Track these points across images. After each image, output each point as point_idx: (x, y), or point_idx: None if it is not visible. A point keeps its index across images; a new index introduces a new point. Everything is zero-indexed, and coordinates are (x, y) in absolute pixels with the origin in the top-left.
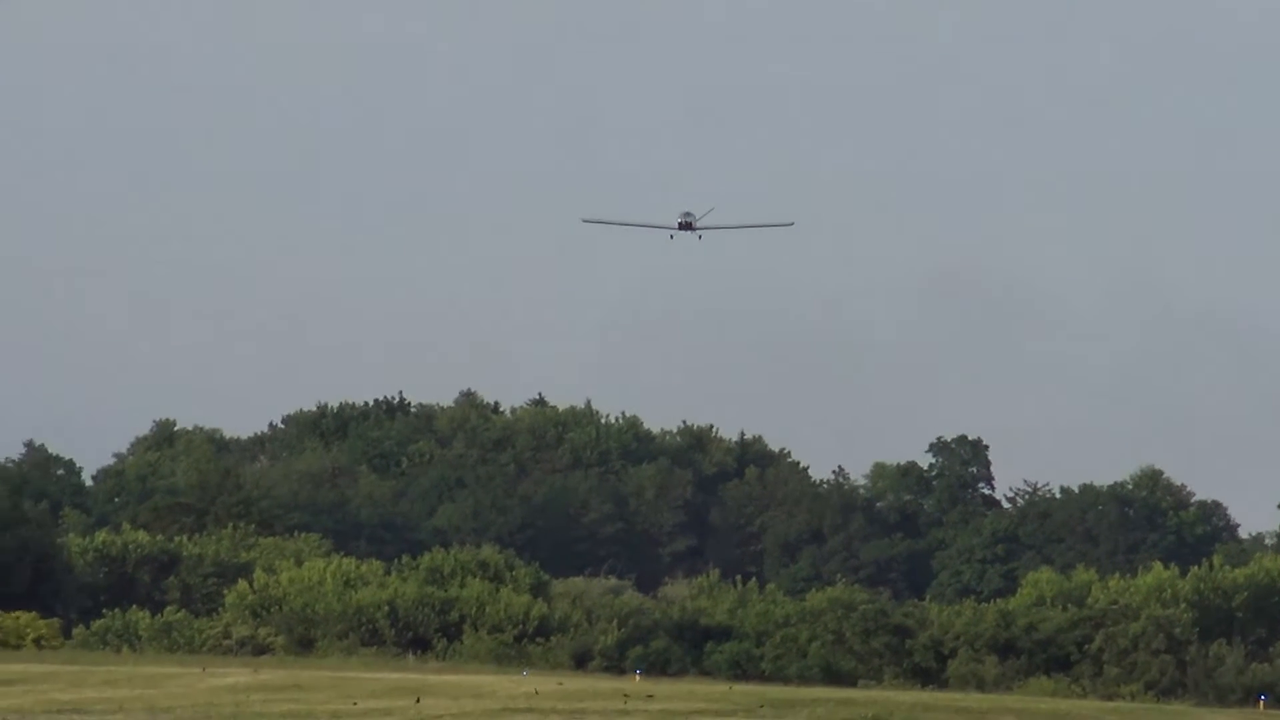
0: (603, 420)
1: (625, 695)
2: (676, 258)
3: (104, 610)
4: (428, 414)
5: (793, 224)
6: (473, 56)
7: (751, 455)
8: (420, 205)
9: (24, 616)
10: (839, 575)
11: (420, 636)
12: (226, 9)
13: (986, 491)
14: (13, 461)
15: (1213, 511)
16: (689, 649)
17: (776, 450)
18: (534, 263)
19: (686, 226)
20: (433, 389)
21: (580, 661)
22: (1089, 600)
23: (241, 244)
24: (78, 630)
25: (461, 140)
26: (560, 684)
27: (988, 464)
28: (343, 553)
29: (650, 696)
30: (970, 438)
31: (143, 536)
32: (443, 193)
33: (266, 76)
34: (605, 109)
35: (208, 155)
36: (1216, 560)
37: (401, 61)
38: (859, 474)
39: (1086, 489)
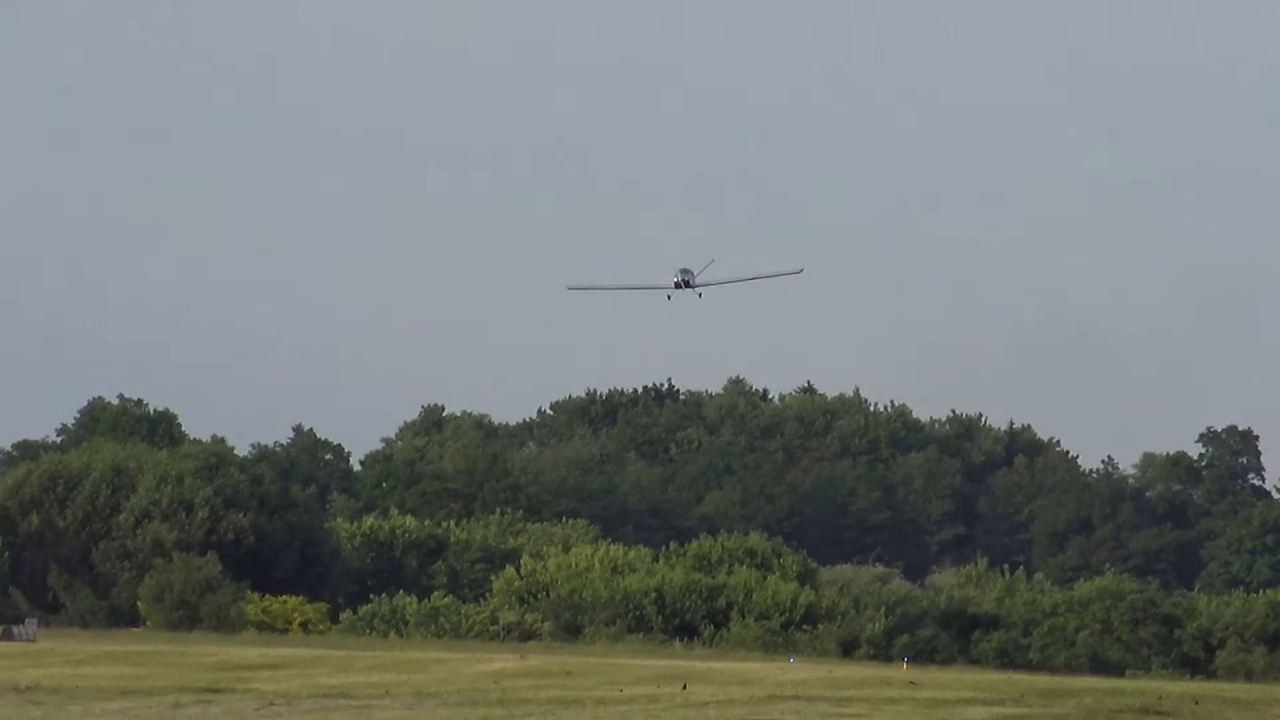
0: (871, 408)
1: (887, 682)
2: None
3: (371, 595)
4: (696, 401)
5: (801, 271)
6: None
7: (1020, 444)
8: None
9: (292, 601)
10: (1107, 565)
11: (687, 623)
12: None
13: (1256, 482)
14: (281, 446)
15: None
16: (956, 637)
17: (1045, 439)
18: (799, 244)
19: (684, 284)
20: (701, 376)
21: (847, 649)
22: None
23: (513, 229)
24: (345, 615)
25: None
26: (829, 672)
27: (1258, 454)
28: (610, 539)
29: (913, 684)
30: (1240, 428)
31: (410, 522)
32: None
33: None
34: None
35: (496, 155)
36: None
37: None
38: (1128, 463)
39: None
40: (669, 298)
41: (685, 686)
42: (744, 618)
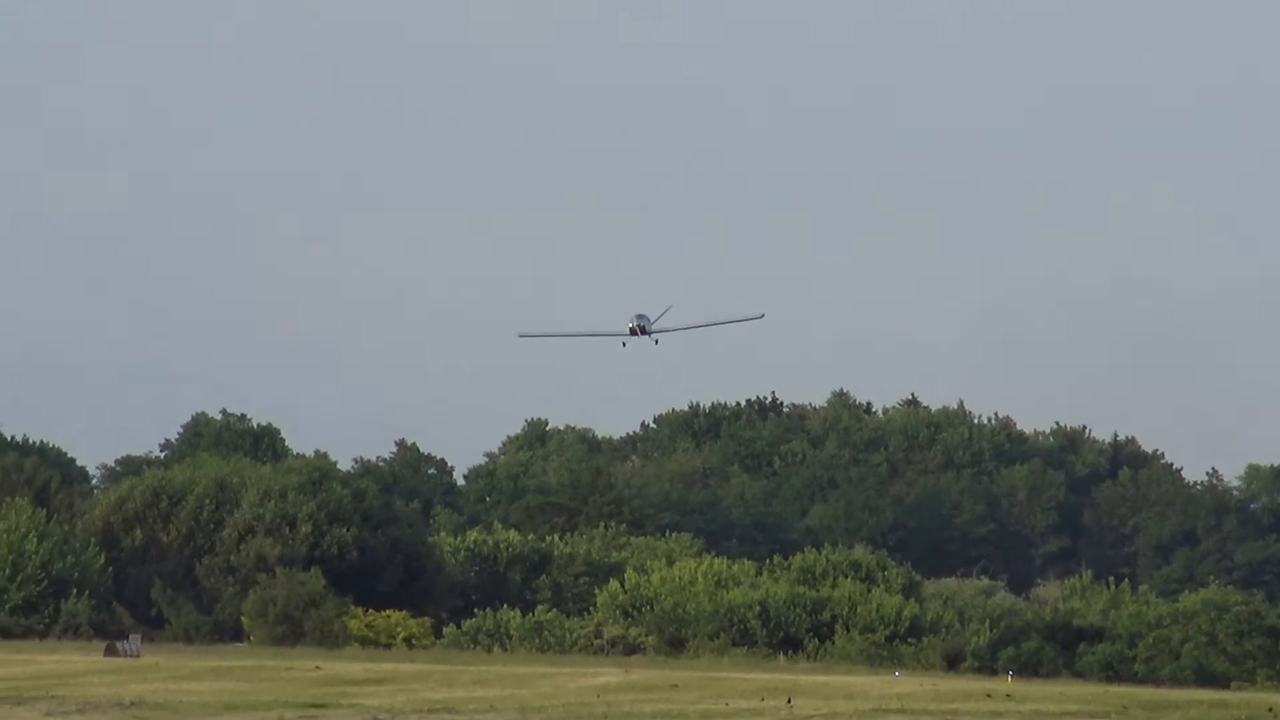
0: (975, 421)
1: (988, 694)
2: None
3: (475, 610)
4: (800, 414)
5: (763, 316)
6: None
7: (1124, 457)
8: (784, 202)
9: (395, 615)
10: (1212, 577)
11: (791, 636)
12: None
13: None
14: (384, 461)
15: None
16: (1061, 650)
17: (1150, 451)
18: (905, 257)
19: (640, 331)
20: (805, 389)
21: (952, 662)
22: None
23: (603, 249)
24: (448, 629)
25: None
26: (934, 685)
27: None
28: (714, 553)
29: (1009, 696)
30: None
31: (514, 536)
32: (807, 189)
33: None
34: None
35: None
36: None
37: None
38: (1232, 475)
39: None
40: (624, 345)
41: (790, 700)
42: (848, 631)
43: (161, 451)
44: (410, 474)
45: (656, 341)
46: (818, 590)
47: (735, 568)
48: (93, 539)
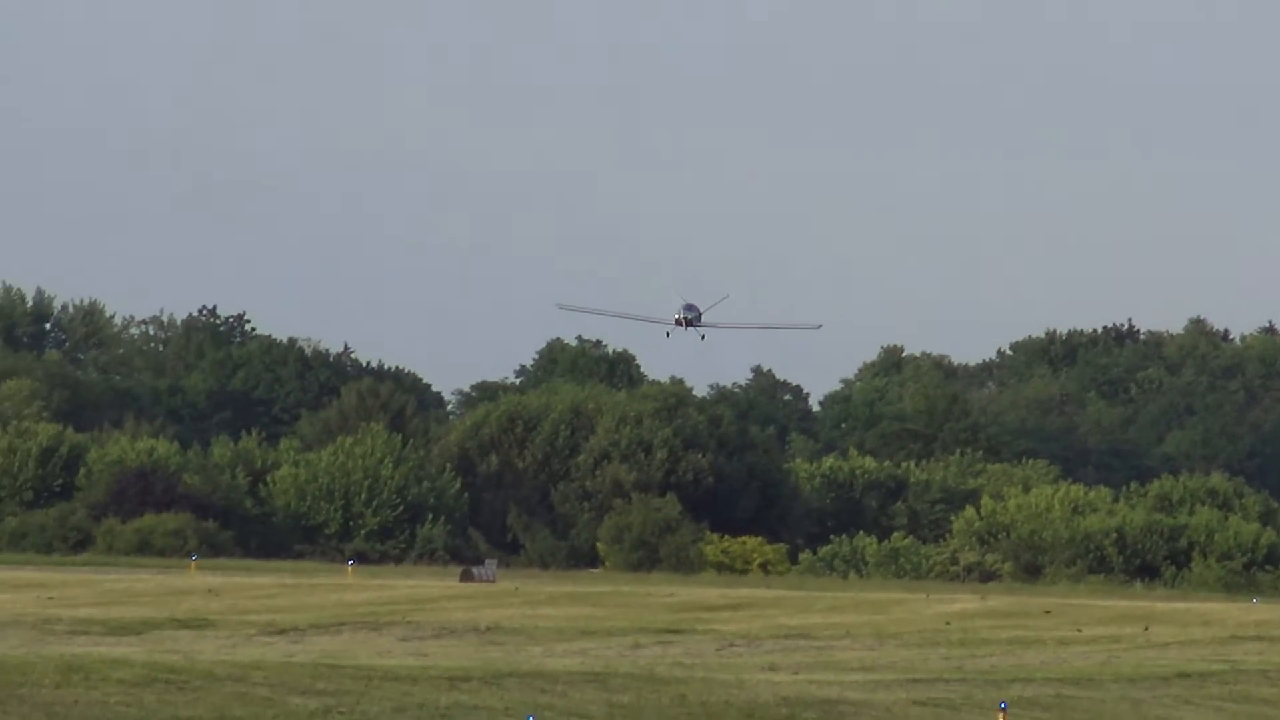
0: None
1: None
2: None
3: (831, 536)
4: (1156, 341)
5: (820, 327)
6: None
7: None
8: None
9: (751, 541)
10: None
11: (1148, 564)
12: None
13: None
14: (740, 388)
15: None
16: None
17: None
18: (1265, 183)
19: (688, 323)
20: (1162, 316)
21: None
22: None
23: (942, 166)
24: (804, 555)
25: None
26: None
27: None
28: (1070, 479)
29: None
30: None
31: (870, 463)
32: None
33: None
34: None
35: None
36: None
37: None
38: None
39: None
40: (668, 335)
41: (1147, 628)
42: (1205, 558)
43: (517, 377)
44: (766, 400)
45: (703, 337)
46: (1174, 517)
47: (1092, 494)
48: (448, 464)
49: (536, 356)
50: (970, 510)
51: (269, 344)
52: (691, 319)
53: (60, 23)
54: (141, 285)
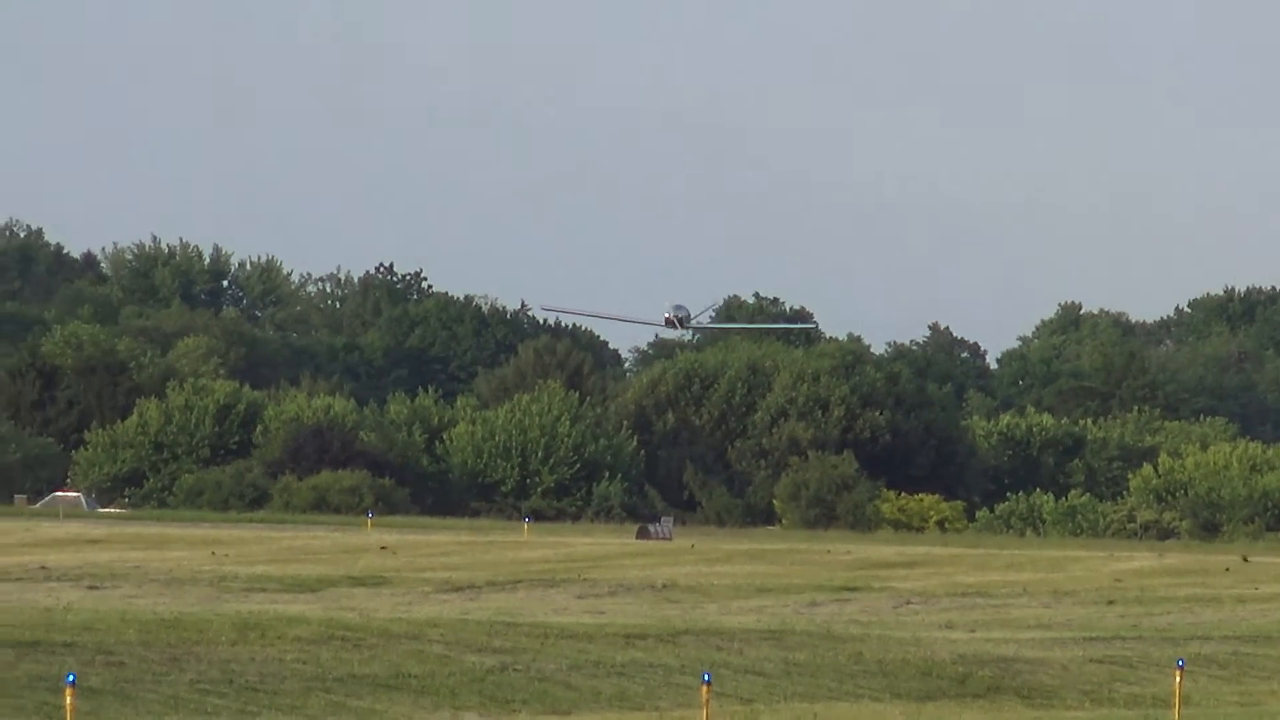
0: None
1: None
2: None
3: (1008, 493)
4: None
5: (815, 325)
6: None
7: None
8: None
9: (927, 499)
10: None
11: None
12: None
13: None
14: (917, 344)
15: None
16: None
17: None
18: None
19: (677, 323)
20: None
21: None
22: None
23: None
24: (981, 513)
25: None
26: None
27: None
28: (1249, 437)
29: None
30: None
31: (1047, 420)
32: None
33: None
34: None
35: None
36: None
37: None
38: None
39: None
40: (656, 336)
41: None
42: None
43: (693, 335)
44: (943, 357)
45: (694, 336)
46: None
47: (1271, 452)
48: (625, 422)
49: (713, 314)
50: (1148, 468)
51: (445, 301)
52: (681, 318)
53: None
54: (319, 242)
